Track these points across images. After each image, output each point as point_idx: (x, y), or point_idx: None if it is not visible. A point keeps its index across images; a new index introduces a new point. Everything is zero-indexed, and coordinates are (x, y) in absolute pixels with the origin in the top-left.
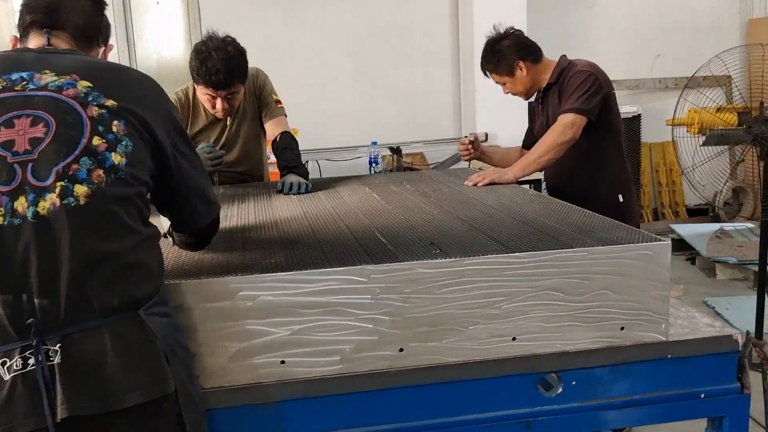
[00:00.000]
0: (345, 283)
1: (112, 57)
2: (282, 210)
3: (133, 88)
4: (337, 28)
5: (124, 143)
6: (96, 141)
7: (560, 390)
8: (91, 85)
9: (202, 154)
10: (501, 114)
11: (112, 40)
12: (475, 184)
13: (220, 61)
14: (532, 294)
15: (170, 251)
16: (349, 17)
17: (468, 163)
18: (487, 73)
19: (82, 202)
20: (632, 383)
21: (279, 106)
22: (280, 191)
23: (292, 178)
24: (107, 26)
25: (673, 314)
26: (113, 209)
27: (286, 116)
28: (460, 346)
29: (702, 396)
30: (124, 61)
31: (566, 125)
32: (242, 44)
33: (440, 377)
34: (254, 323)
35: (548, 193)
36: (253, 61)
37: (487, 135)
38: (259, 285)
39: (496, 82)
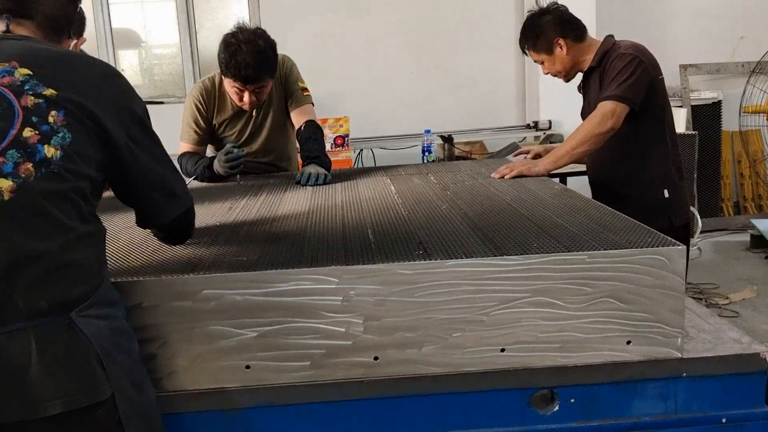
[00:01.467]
0: (315, 284)
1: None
2: (288, 204)
3: (80, 77)
4: (396, 13)
5: (60, 135)
6: (27, 132)
7: (556, 408)
8: (30, 72)
9: (219, 156)
10: (566, 101)
11: (172, 29)
12: (502, 177)
13: (249, 54)
14: (523, 301)
15: (141, 245)
16: (408, 1)
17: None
18: (526, 50)
19: (6, 197)
20: (641, 403)
21: (305, 93)
22: (298, 182)
23: (311, 169)
24: (81, 18)
25: (697, 326)
26: (42, 205)
27: (312, 104)
28: (442, 356)
29: (723, 420)
30: (185, 51)
31: (605, 114)
32: (300, 31)
33: (419, 389)
34: (217, 324)
35: (591, 187)
36: (311, 48)
37: (551, 122)
38: (223, 284)
39: (535, 61)
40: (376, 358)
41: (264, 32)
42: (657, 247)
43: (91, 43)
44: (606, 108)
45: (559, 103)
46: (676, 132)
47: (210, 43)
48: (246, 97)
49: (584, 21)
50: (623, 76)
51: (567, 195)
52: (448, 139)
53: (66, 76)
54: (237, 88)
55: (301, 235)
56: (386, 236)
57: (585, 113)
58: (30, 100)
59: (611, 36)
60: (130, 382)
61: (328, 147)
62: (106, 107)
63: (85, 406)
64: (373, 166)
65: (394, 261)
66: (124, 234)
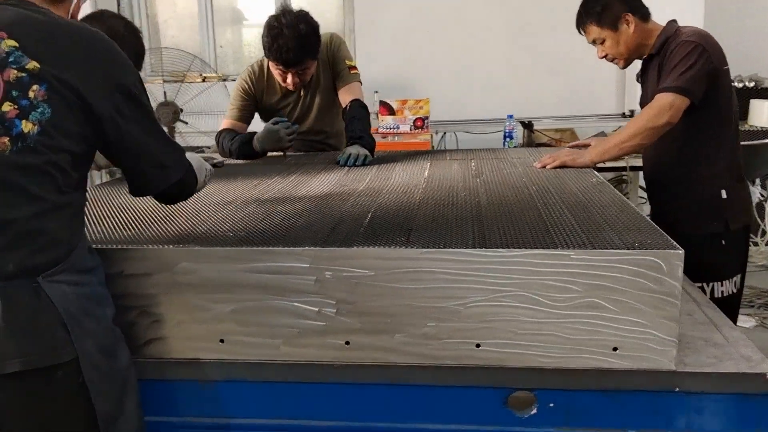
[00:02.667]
0: (289, 263)
1: None
2: (313, 184)
3: (67, 49)
4: None
5: (40, 110)
6: (6, 107)
7: (534, 411)
8: (16, 44)
9: (281, 129)
10: None
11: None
12: (544, 166)
13: (291, 38)
14: (502, 296)
15: (135, 213)
16: None
17: None
18: (584, 27)
19: None
20: (628, 415)
21: (352, 72)
22: (338, 162)
23: (352, 150)
24: None
25: (709, 339)
26: (13, 178)
27: (360, 82)
28: (415, 345)
29: None
30: None
31: (662, 107)
32: (392, 8)
33: (390, 378)
34: (194, 297)
35: (646, 185)
36: (401, 26)
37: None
38: (199, 258)
39: (593, 39)
40: (347, 343)
41: (306, 15)
42: (653, 249)
43: (192, 19)
44: (663, 100)
45: None
46: (739, 128)
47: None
48: (289, 78)
49: (691, 7)
50: (685, 65)
51: (597, 190)
52: (528, 126)
53: (52, 48)
54: (280, 69)
55: (300, 215)
56: (382, 222)
57: (643, 104)
58: (12, 74)
59: (674, 21)
60: (97, 348)
61: (407, 128)
62: (91, 80)
63: (44, 366)
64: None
65: (372, 246)
66: (137, 202)
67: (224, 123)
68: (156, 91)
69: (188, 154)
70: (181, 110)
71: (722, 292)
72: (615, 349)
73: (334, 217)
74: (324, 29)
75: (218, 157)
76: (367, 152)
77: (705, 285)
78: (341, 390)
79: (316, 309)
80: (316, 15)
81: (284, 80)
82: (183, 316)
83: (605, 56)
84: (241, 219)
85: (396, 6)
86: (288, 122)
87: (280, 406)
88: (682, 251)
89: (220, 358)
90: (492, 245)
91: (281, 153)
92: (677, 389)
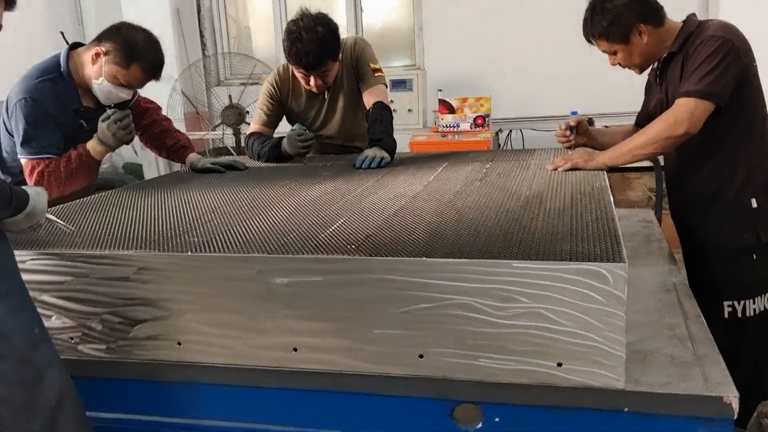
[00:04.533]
0: (239, 269)
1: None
2: (308, 190)
3: None
4: None
5: None
6: None
7: (480, 425)
8: None
9: (292, 135)
10: None
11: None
12: (556, 168)
13: (310, 42)
14: (444, 307)
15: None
16: None
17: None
18: (592, 39)
19: None
20: None
21: (377, 75)
22: (354, 165)
23: (369, 152)
24: None
25: (674, 355)
26: None
27: (385, 85)
28: (360, 354)
29: None
30: (351, 29)
31: (680, 115)
32: (458, 8)
33: (334, 385)
34: (150, 302)
35: (668, 194)
36: (469, 23)
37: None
38: (155, 262)
39: (604, 51)
40: (295, 349)
41: (324, 17)
42: (591, 261)
43: (267, 23)
44: (682, 107)
45: None
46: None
47: (374, 20)
48: (312, 81)
49: None
50: (709, 65)
51: (591, 196)
52: (587, 122)
53: None
54: (302, 73)
55: (265, 223)
56: (344, 230)
57: (663, 106)
58: None
59: (694, 15)
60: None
61: (467, 126)
62: None
63: None
64: (500, 147)
65: (321, 254)
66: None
67: (252, 127)
68: (222, 95)
69: (33, 189)
70: (247, 112)
71: (754, 309)
72: (560, 364)
73: (298, 225)
74: (391, 29)
75: (240, 162)
76: (385, 154)
77: (736, 303)
78: (288, 395)
79: (264, 317)
80: (384, 14)
81: (307, 83)
82: (143, 319)
83: (617, 64)
84: (217, 224)
85: (463, 4)
86: (304, 129)
87: (229, 409)
88: (625, 263)
89: (177, 360)
90: (440, 254)
91: (303, 157)
92: (626, 409)
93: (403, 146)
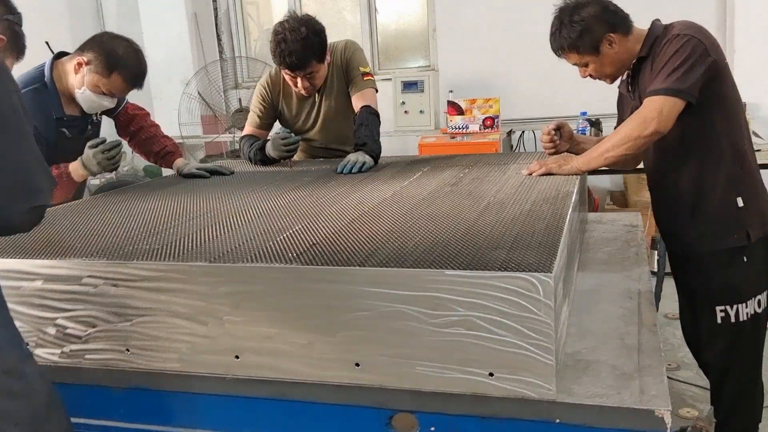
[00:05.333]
0: (178, 281)
1: None
2: (285, 194)
3: None
4: None
5: None
6: None
7: None
8: None
9: (276, 139)
10: (765, 81)
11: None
12: (531, 173)
13: (293, 42)
14: (376, 316)
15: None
16: None
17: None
18: (561, 52)
19: None
20: None
21: (366, 78)
22: (336, 170)
23: (352, 157)
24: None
25: (616, 365)
26: None
27: (375, 89)
28: (298, 362)
29: None
30: (365, 30)
31: (648, 114)
32: (471, 9)
33: (275, 393)
34: (99, 310)
35: (651, 198)
36: (479, 28)
37: (745, 105)
38: (102, 271)
39: (574, 64)
40: (237, 357)
41: (310, 19)
42: (518, 272)
43: None
44: (650, 106)
45: (759, 82)
46: (749, 126)
47: (388, 22)
48: (300, 82)
49: None
50: (676, 62)
51: (552, 203)
52: (594, 124)
53: None
54: (290, 75)
55: (231, 228)
56: (295, 238)
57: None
58: None
59: (658, 20)
60: None
61: (476, 128)
62: None
63: None
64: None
65: (257, 263)
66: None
67: (245, 129)
68: (232, 98)
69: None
70: None
71: (747, 314)
72: (491, 374)
73: (255, 232)
74: (406, 31)
75: (225, 167)
76: (367, 159)
77: (728, 308)
78: (229, 402)
79: (205, 326)
80: (399, 16)
81: (295, 85)
82: (90, 327)
83: (588, 76)
84: (172, 233)
85: (476, 6)
86: (288, 132)
87: (171, 414)
88: (551, 273)
89: (127, 367)
90: (376, 263)
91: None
92: (557, 420)
93: (413, 148)
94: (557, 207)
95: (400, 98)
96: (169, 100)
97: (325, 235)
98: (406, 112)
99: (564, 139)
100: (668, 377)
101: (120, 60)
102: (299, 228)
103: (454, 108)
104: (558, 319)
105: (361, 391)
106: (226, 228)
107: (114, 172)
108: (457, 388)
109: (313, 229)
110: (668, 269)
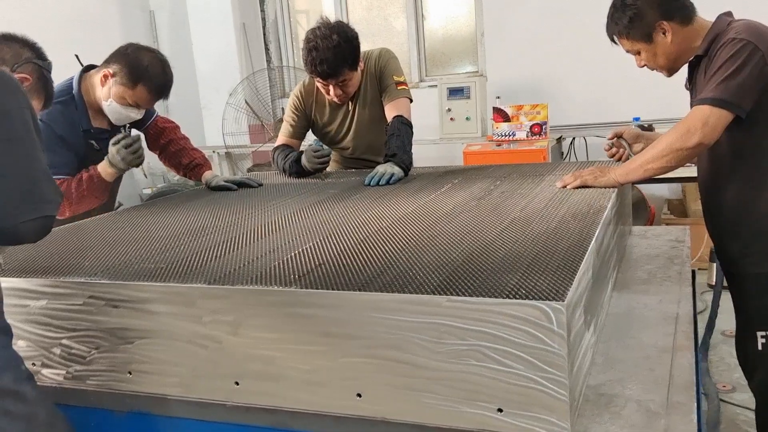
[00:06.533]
0: (178, 303)
1: None
2: (307, 208)
3: None
4: None
5: None
6: None
7: None
8: None
9: (308, 151)
10: None
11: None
12: (565, 186)
13: (325, 50)
14: (376, 344)
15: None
16: None
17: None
18: (615, 38)
19: None
20: None
21: (399, 88)
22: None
23: (380, 168)
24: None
25: (642, 400)
26: None
27: (409, 99)
28: (299, 391)
29: None
30: (412, 36)
31: (693, 124)
32: (520, 13)
33: (275, 422)
34: (101, 331)
35: (701, 203)
36: (529, 31)
37: None
38: (103, 291)
39: (627, 51)
40: (237, 383)
41: (342, 26)
42: (530, 300)
43: None
44: (696, 116)
45: None
46: None
47: (436, 27)
48: (332, 90)
49: None
50: (727, 70)
51: (584, 219)
52: (648, 130)
53: None
54: (322, 83)
55: (244, 246)
56: (304, 256)
57: None
58: None
59: (726, 14)
60: None
61: (523, 135)
62: None
63: None
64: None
65: (256, 285)
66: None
67: (279, 139)
68: (279, 108)
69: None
70: None
71: None
72: (500, 410)
73: (266, 249)
74: (454, 36)
75: (253, 180)
76: (396, 170)
77: None
78: (229, 429)
79: (206, 350)
80: (447, 21)
81: (327, 93)
82: (93, 349)
83: (644, 66)
84: (181, 251)
85: (525, 9)
86: (320, 145)
87: None
88: (563, 303)
89: (130, 390)
90: (376, 287)
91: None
92: None
93: (458, 156)
94: (586, 225)
95: (445, 105)
96: (217, 111)
97: (333, 254)
98: (452, 119)
99: (632, 141)
100: (721, 400)
101: (145, 71)
102: (310, 246)
103: (500, 114)
104: (575, 351)
105: (363, 423)
106: (237, 245)
107: (142, 168)
108: (464, 423)
109: (323, 247)
110: None
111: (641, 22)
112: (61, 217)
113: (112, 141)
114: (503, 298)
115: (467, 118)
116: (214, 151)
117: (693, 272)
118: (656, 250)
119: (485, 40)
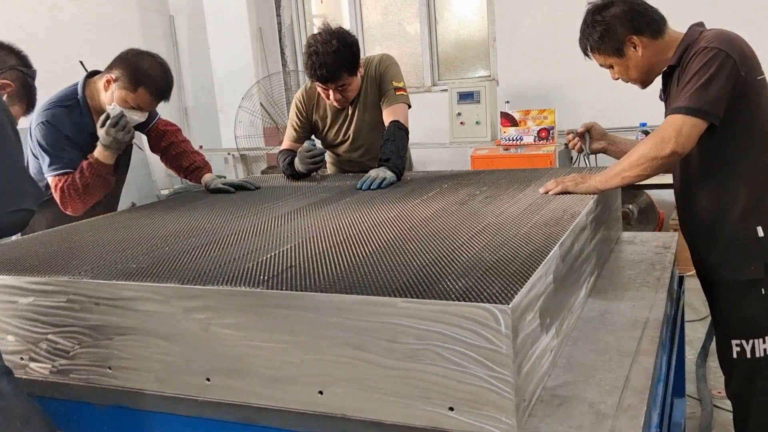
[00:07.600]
0: (154, 302)
1: None
2: (294, 211)
3: None
4: None
5: None
6: None
7: None
8: None
9: (301, 152)
10: None
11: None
12: (547, 192)
13: (325, 55)
14: (336, 344)
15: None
16: None
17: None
18: (588, 52)
19: None
20: None
21: (398, 93)
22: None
23: (373, 173)
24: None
25: (593, 402)
26: None
27: (407, 104)
28: (265, 387)
29: None
30: (425, 40)
31: (667, 134)
32: (532, 18)
33: (243, 417)
34: (84, 327)
35: (676, 210)
36: (540, 36)
37: None
38: (86, 289)
39: (600, 65)
40: (208, 380)
41: (342, 32)
42: (483, 302)
43: None
44: (669, 125)
45: None
46: None
47: (449, 31)
48: (332, 95)
49: None
50: (700, 79)
51: (555, 225)
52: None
53: None
54: (322, 87)
55: (224, 247)
56: (278, 258)
57: None
58: None
59: (697, 25)
60: None
61: (530, 140)
62: None
63: None
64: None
65: (226, 286)
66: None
67: (283, 143)
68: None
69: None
70: None
71: (765, 350)
72: (451, 409)
73: (245, 251)
74: (467, 41)
75: (251, 182)
76: (388, 175)
77: (744, 342)
78: (203, 424)
79: (178, 347)
80: (460, 26)
81: (328, 97)
82: (77, 345)
83: (618, 79)
84: (162, 253)
85: (537, 15)
86: (313, 145)
87: None
88: (508, 305)
89: (108, 385)
90: (340, 289)
91: (315, 173)
92: None
93: (466, 160)
94: (555, 230)
95: (455, 109)
96: (234, 113)
97: (307, 256)
98: (462, 123)
99: (595, 138)
100: (714, 406)
101: (145, 75)
102: (287, 248)
103: (508, 119)
104: (524, 352)
105: (325, 419)
106: (219, 247)
107: (135, 142)
108: (418, 421)
109: (299, 250)
110: None
111: (611, 37)
112: (75, 213)
113: (98, 124)
114: (456, 300)
115: (477, 123)
116: (229, 153)
117: (681, 277)
118: (641, 256)
119: (497, 45)
